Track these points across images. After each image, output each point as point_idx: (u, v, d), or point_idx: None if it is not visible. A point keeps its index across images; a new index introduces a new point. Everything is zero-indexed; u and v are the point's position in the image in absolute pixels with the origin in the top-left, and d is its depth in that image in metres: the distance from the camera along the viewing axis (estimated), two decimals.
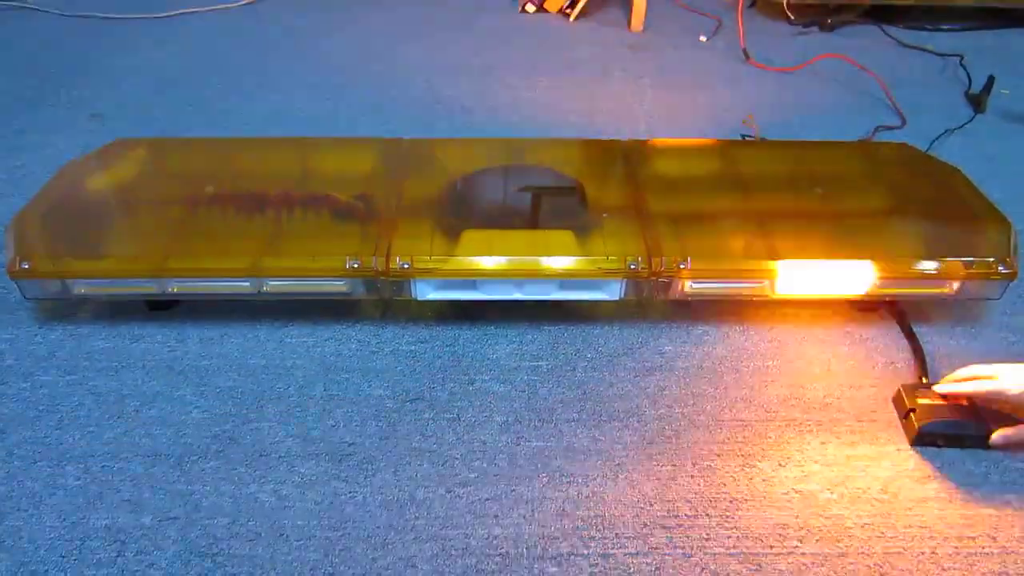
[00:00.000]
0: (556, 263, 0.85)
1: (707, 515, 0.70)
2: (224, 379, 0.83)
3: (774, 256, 0.86)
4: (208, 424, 0.78)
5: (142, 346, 0.87)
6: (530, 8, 1.82)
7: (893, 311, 0.92)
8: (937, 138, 1.26)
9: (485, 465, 0.75)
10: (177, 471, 0.73)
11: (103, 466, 0.74)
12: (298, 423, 0.79)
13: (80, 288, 0.85)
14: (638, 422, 0.79)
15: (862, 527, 0.69)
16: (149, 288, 0.86)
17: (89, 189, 0.96)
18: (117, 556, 0.66)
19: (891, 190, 0.99)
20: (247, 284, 0.85)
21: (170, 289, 0.85)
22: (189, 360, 0.86)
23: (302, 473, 0.74)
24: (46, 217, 0.89)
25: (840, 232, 0.91)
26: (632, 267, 0.84)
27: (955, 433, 0.76)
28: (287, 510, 0.70)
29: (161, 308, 0.92)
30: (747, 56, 1.58)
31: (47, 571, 0.65)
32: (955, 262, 0.85)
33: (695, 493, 0.72)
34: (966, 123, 1.32)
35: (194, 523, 0.69)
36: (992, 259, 0.85)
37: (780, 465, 0.75)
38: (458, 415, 0.80)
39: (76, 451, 0.75)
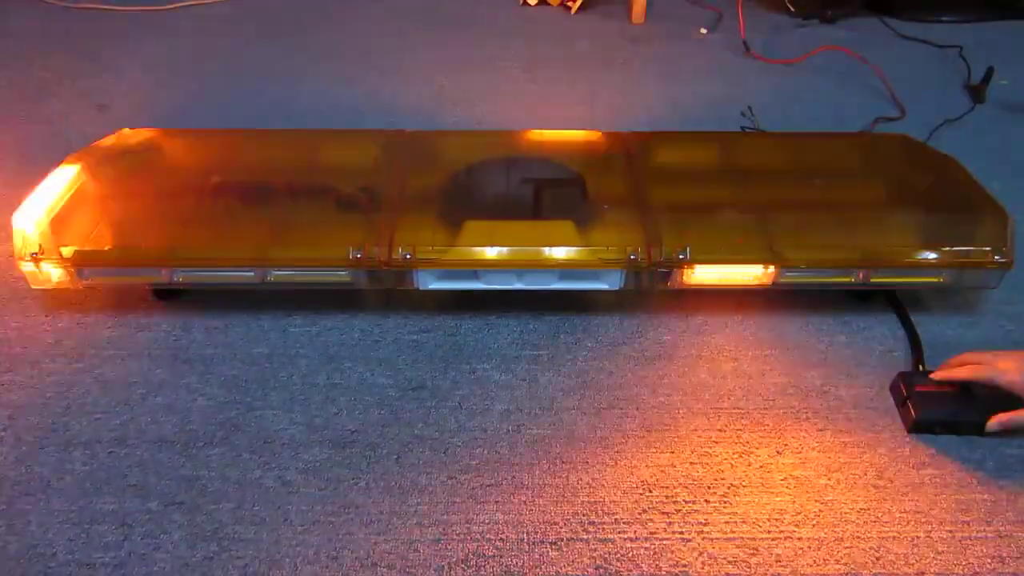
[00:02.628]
0: (557, 253, 0.85)
1: (705, 501, 0.71)
2: (229, 367, 0.84)
3: (773, 246, 0.86)
4: (213, 411, 0.79)
5: (148, 334, 0.88)
6: (531, 0, 1.82)
7: (891, 300, 0.93)
8: (936, 129, 1.26)
9: (486, 452, 0.76)
10: (183, 457, 0.75)
11: (110, 452, 0.75)
12: (302, 411, 0.80)
13: (87, 277, 0.86)
14: (637, 410, 0.80)
15: (858, 512, 0.70)
16: (155, 277, 0.87)
17: (95, 179, 0.96)
18: (124, 540, 0.67)
19: (890, 181, 0.99)
20: (252, 274, 0.86)
21: (176, 278, 0.86)
22: (194, 348, 0.87)
23: (306, 459, 0.75)
24: (53, 207, 0.90)
25: (839, 222, 0.91)
26: (632, 257, 0.85)
27: (951, 420, 0.77)
28: (291, 495, 0.71)
29: (167, 297, 0.93)
30: (747, 48, 1.58)
31: (55, 554, 0.66)
32: (952, 251, 0.86)
33: (693, 479, 0.73)
34: (965, 114, 1.32)
35: (200, 508, 0.70)
36: (989, 248, 0.85)
37: (777, 452, 0.76)
38: (460, 403, 0.81)
39: (83, 437, 0.76)
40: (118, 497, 0.71)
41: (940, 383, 0.79)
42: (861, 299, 0.94)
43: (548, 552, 0.67)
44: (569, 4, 1.80)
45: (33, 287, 0.88)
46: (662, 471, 0.74)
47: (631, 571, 0.66)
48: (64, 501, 0.70)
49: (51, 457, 0.74)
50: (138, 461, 0.74)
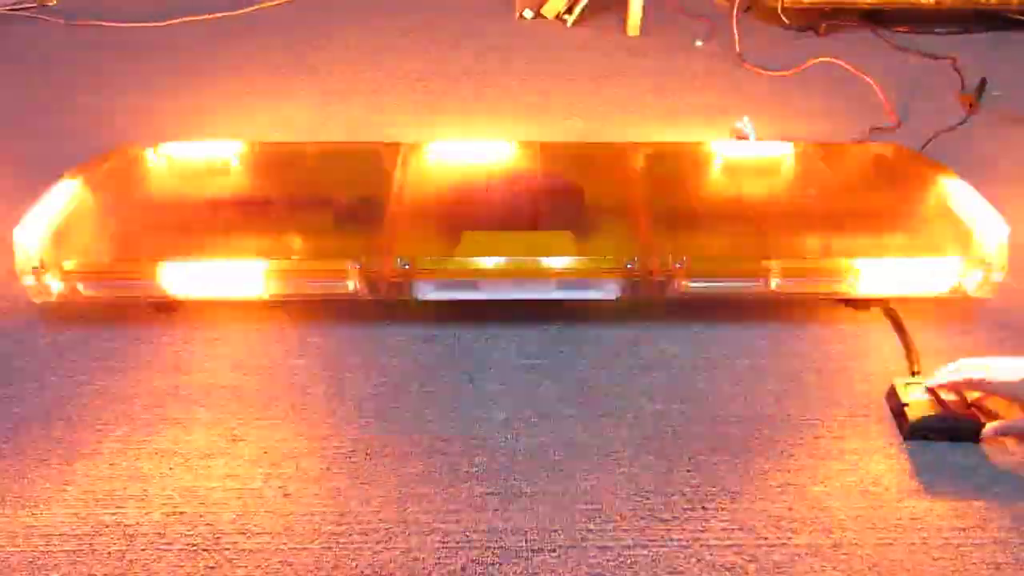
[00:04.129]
0: (555, 263, 0.86)
1: (703, 508, 0.72)
2: (228, 378, 0.85)
3: (768, 256, 0.87)
4: (214, 422, 0.80)
5: (148, 347, 0.89)
6: (528, 14, 1.84)
7: (886, 309, 0.94)
8: (930, 139, 1.28)
9: (485, 460, 0.76)
10: (183, 468, 0.75)
11: (111, 464, 0.75)
12: (301, 421, 0.80)
13: (87, 290, 0.87)
14: (635, 418, 0.81)
15: (854, 519, 0.71)
16: (155, 290, 0.87)
17: (95, 193, 0.97)
18: (126, 551, 0.68)
19: (884, 190, 1.00)
20: (251, 285, 0.87)
21: (175, 291, 0.87)
22: (195, 360, 0.87)
23: (305, 469, 0.75)
24: (54, 221, 0.91)
25: (834, 232, 0.92)
26: (629, 267, 0.86)
27: (946, 427, 0.78)
28: (291, 505, 0.72)
29: (166, 310, 0.93)
30: (742, 60, 1.59)
31: (57, 565, 0.66)
32: (946, 261, 0.86)
33: (691, 486, 0.74)
34: (959, 124, 1.34)
35: (201, 518, 0.70)
36: (983, 257, 0.86)
37: (774, 459, 0.76)
38: (459, 412, 0.81)
39: (85, 449, 0.77)
40: (120, 508, 0.71)
41: (935, 390, 0.80)
42: (857, 308, 0.94)
43: (547, 559, 0.67)
44: (565, 17, 1.81)
45: (34, 300, 0.89)
46: (660, 478, 0.74)
47: None
48: (66, 512, 0.71)
49: (52, 469, 0.75)
50: (139, 472, 0.75)
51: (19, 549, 0.68)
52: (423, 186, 0.99)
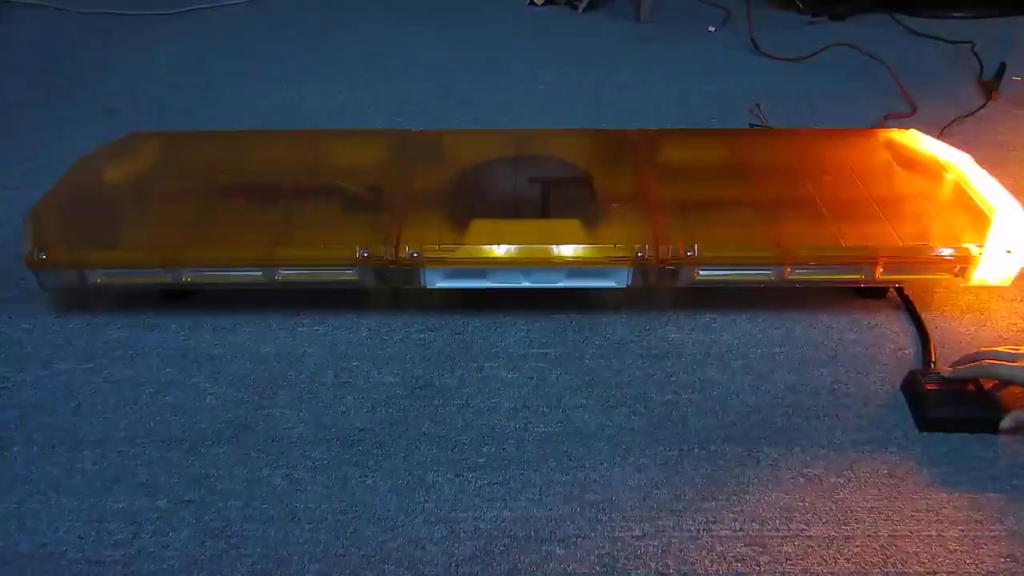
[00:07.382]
0: (564, 251, 0.85)
1: (714, 499, 0.71)
2: (237, 367, 0.85)
3: (781, 243, 0.86)
4: (221, 410, 0.80)
5: (157, 335, 0.89)
6: (538, 0, 1.82)
7: (901, 297, 0.92)
8: (948, 125, 1.25)
9: (493, 450, 0.76)
10: (192, 456, 0.75)
11: (119, 451, 0.75)
12: (309, 409, 0.80)
13: (96, 278, 0.86)
14: (645, 408, 0.80)
15: (869, 511, 0.70)
16: (163, 278, 0.87)
17: (104, 181, 0.97)
18: (133, 538, 0.68)
19: (900, 176, 0.99)
20: (259, 273, 0.86)
21: (184, 279, 0.86)
22: (203, 348, 0.87)
23: (314, 458, 0.75)
24: (62, 209, 0.91)
25: (848, 218, 0.91)
26: (640, 255, 0.84)
27: (964, 418, 0.76)
28: (299, 493, 0.71)
29: (175, 298, 0.93)
30: (756, 46, 1.57)
31: (65, 552, 0.66)
32: (964, 248, 0.85)
33: (702, 477, 0.73)
34: (977, 110, 1.31)
35: (208, 506, 0.70)
36: (1001, 244, 0.85)
37: (787, 450, 0.75)
38: (467, 401, 0.81)
39: (93, 436, 0.77)
40: (128, 495, 0.71)
41: (952, 381, 0.78)
42: (871, 296, 0.93)
43: (556, 549, 0.67)
44: (576, 3, 1.80)
45: (43, 288, 0.89)
46: (670, 468, 0.74)
47: (639, 569, 0.65)
48: (74, 500, 0.71)
49: (61, 456, 0.75)
50: (147, 460, 0.74)
51: (28, 536, 0.68)
52: (432, 174, 0.98)
